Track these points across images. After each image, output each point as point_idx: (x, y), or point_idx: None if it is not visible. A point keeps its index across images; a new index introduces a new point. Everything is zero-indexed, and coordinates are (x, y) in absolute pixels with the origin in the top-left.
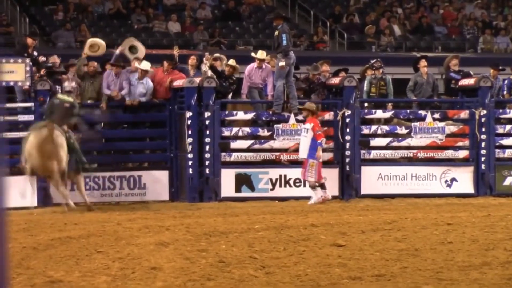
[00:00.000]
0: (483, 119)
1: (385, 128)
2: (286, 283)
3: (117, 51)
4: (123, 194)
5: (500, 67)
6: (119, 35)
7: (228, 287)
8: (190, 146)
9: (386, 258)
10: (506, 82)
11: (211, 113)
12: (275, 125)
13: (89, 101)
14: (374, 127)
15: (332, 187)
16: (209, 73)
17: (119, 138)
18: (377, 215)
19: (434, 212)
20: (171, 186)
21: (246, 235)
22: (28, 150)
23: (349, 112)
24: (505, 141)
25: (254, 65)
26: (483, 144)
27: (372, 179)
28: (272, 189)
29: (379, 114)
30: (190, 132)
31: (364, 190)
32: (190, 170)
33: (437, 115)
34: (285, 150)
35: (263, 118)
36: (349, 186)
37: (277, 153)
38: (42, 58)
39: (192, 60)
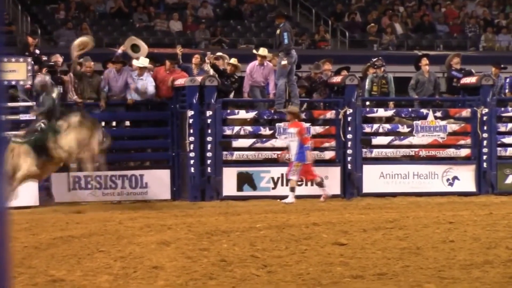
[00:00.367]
0: (484, 118)
1: (387, 126)
2: (288, 282)
3: (119, 50)
4: (124, 193)
5: (502, 65)
6: (121, 34)
7: (230, 286)
8: (192, 145)
9: (388, 256)
10: (508, 80)
11: (213, 112)
12: (276, 124)
13: (88, 101)
14: (375, 126)
15: (334, 186)
16: (211, 72)
17: (121, 136)
18: (378, 214)
19: (436, 211)
20: (172, 185)
21: (248, 234)
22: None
23: (351, 110)
24: (507, 140)
25: (255, 62)
26: (485, 143)
27: (373, 178)
28: (274, 188)
29: (380, 112)
30: (191, 131)
31: (365, 189)
32: (192, 169)
33: (439, 114)
34: (287, 149)
35: (265, 117)
36: (351, 185)
37: (279, 152)
38: (43, 58)
39: (195, 59)
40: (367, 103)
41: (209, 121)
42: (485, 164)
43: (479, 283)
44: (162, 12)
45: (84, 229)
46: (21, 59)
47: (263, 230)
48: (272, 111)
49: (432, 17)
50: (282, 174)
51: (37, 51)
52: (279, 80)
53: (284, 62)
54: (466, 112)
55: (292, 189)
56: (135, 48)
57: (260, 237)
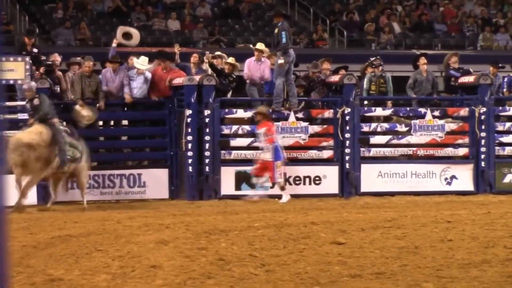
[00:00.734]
0: (482, 117)
1: (385, 125)
2: (286, 281)
3: (114, 44)
4: (123, 192)
5: (500, 65)
6: None
7: (228, 285)
8: (190, 144)
9: (386, 256)
10: (505, 79)
11: (211, 111)
12: (274, 123)
13: (87, 100)
14: (373, 125)
15: (332, 185)
16: (209, 71)
17: (119, 136)
18: (377, 213)
19: (434, 210)
20: (171, 184)
21: (246, 233)
22: None
23: (349, 109)
24: (505, 139)
25: (252, 58)
26: (482, 142)
27: (372, 177)
28: (272, 187)
29: (378, 112)
30: (189, 130)
31: (364, 188)
32: (190, 168)
33: (436, 113)
34: (284, 148)
35: None
36: (349, 184)
37: None
38: (42, 57)
39: (194, 58)
40: (365, 102)
41: (207, 120)
42: (483, 163)
43: (477, 282)
44: (160, 11)
45: (82, 228)
46: (19, 58)
47: (261, 229)
48: (270, 110)
49: (430, 16)
50: (280, 173)
51: (35, 50)
52: (277, 79)
53: (281, 61)
54: (464, 111)
55: (283, 188)
56: (127, 36)
57: (258, 236)
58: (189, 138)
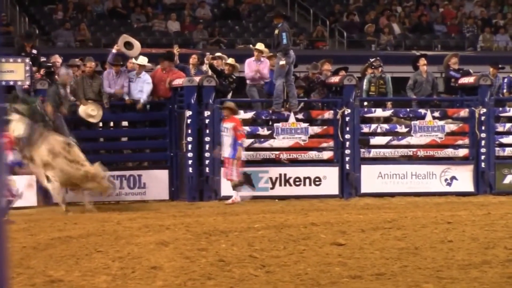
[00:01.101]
0: (482, 118)
1: (385, 126)
2: (286, 282)
3: (114, 50)
4: (123, 193)
5: (500, 66)
6: (119, 34)
7: (228, 286)
8: (190, 145)
9: (386, 257)
10: (505, 80)
11: (211, 112)
12: (274, 124)
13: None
14: (374, 126)
15: (332, 186)
16: (209, 72)
17: (119, 137)
18: (377, 214)
19: (434, 211)
20: (171, 185)
21: (246, 234)
22: None
23: (349, 110)
24: (505, 140)
25: (252, 58)
26: (483, 143)
27: (372, 178)
28: (272, 188)
29: (379, 112)
30: (189, 131)
31: (364, 189)
32: (190, 169)
33: (436, 114)
34: (285, 149)
35: (263, 117)
36: (349, 185)
37: (277, 152)
38: (42, 59)
39: (193, 59)
40: (365, 103)
41: (207, 121)
42: (483, 164)
43: (477, 283)
44: (160, 12)
45: (82, 229)
46: (19, 60)
47: (261, 230)
48: (270, 111)
49: (430, 17)
50: (280, 174)
51: (34, 52)
52: (277, 80)
53: (282, 62)
54: (464, 112)
55: (235, 187)
56: (128, 45)
57: (258, 237)
58: (189, 139)
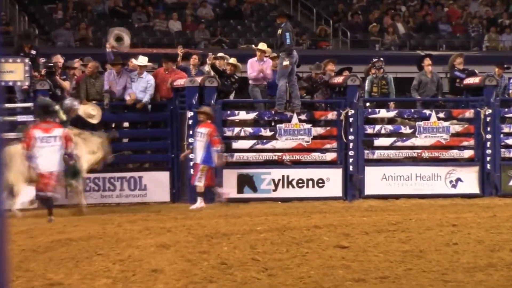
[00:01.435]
0: (488, 118)
1: (389, 127)
2: (289, 285)
3: (108, 49)
4: (123, 195)
5: (506, 66)
6: None
7: None
8: (191, 147)
9: (390, 259)
10: (511, 80)
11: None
12: (277, 125)
13: (93, 102)
14: (378, 127)
15: (336, 188)
16: (211, 72)
17: (120, 138)
18: (381, 216)
19: (439, 213)
20: (172, 187)
21: (248, 237)
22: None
23: (353, 111)
24: (511, 141)
25: (254, 58)
26: (488, 144)
27: (376, 180)
28: (274, 190)
29: (383, 113)
30: (191, 132)
31: (367, 191)
32: (192, 171)
33: (441, 115)
34: (287, 150)
35: (266, 118)
36: (353, 187)
37: (280, 153)
38: (41, 60)
39: (193, 60)
40: (368, 104)
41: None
42: (488, 166)
43: (482, 286)
44: (161, 11)
45: (82, 232)
46: (19, 60)
47: (264, 233)
48: (273, 112)
49: (434, 17)
50: (283, 176)
51: (33, 52)
52: (280, 80)
53: (285, 62)
54: (469, 113)
55: (200, 194)
56: (119, 40)
57: (260, 240)
58: (191, 140)
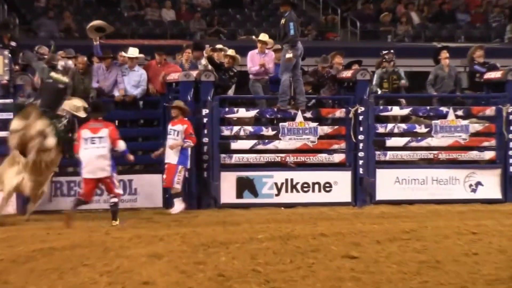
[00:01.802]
0: (511, 116)
1: (403, 126)
2: None
3: (95, 42)
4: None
5: None
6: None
7: None
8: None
9: (404, 271)
10: None
11: (210, 110)
12: (280, 124)
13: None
14: (390, 126)
15: (344, 192)
16: (208, 66)
17: None
18: (393, 224)
19: (457, 220)
20: (165, 191)
21: (249, 246)
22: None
23: (363, 108)
24: None
25: (255, 51)
26: (511, 144)
27: (388, 183)
28: (277, 195)
29: (395, 111)
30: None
31: (379, 196)
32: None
33: (460, 112)
34: (291, 151)
35: (267, 116)
36: (363, 191)
37: (283, 155)
38: (21, 53)
39: (186, 55)
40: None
41: (205, 120)
42: (511, 168)
43: None
44: None
45: (67, 240)
46: None
47: (266, 242)
48: (275, 109)
49: (452, 5)
50: (286, 180)
51: (13, 44)
52: (283, 75)
53: (289, 55)
54: (490, 111)
55: (177, 195)
56: (100, 31)
57: (262, 249)
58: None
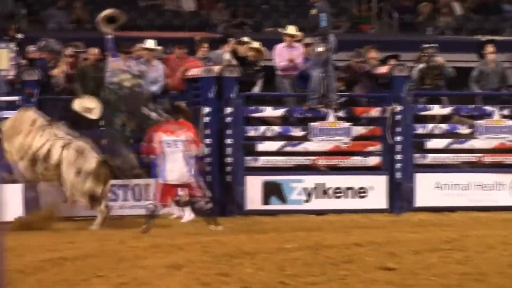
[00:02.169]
0: None
1: (444, 127)
2: None
3: (109, 36)
4: (127, 206)
5: None
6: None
7: None
8: (208, 149)
9: (445, 284)
10: None
11: (234, 108)
12: (310, 124)
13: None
14: (430, 126)
15: (380, 198)
16: (233, 61)
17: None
18: (433, 232)
19: (502, 229)
20: None
21: (276, 256)
22: None
23: (400, 107)
24: None
25: (282, 44)
26: None
27: (427, 189)
28: (307, 201)
29: (436, 110)
30: (208, 131)
31: (418, 202)
32: (209, 178)
33: (506, 112)
34: (322, 154)
35: (296, 115)
36: (400, 197)
37: (313, 157)
38: (30, 47)
39: (203, 51)
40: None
41: (229, 119)
42: None
43: None
44: None
45: (79, 249)
46: (2, 45)
47: (294, 252)
48: (305, 108)
49: None
50: (317, 184)
51: (20, 36)
52: (313, 71)
53: (320, 49)
54: None
55: (185, 204)
56: (112, 21)
57: (290, 260)
58: (208, 141)
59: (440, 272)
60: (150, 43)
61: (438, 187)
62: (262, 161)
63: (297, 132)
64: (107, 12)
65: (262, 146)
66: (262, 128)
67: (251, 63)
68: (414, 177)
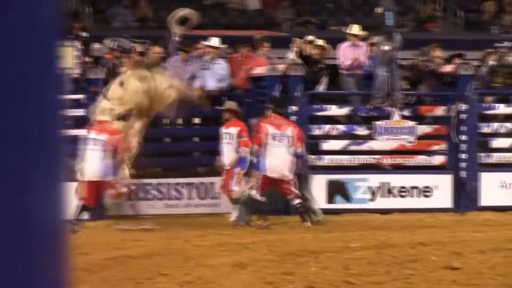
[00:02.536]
0: None
1: (509, 126)
2: None
3: (176, 38)
4: (192, 204)
5: None
6: None
7: None
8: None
9: (510, 284)
10: None
11: (298, 107)
12: (375, 122)
13: None
14: (495, 125)
15: (445, 197)
16: (298, 60)
17: (189, 136)
18: (499, 232)
19: None
20: None
21: (341, 255)
22: None
23: (466, 106)
24: None
25: (346, 43)
26: None
27: (493, 188)
28: (371, 200)
29: (501, 109)
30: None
31: (483, 201)
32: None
33: None
34: (387, 153)
35: (361, 114)
36: (465, 196)
37: (378, 156)
38: (95, 45)
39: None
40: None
41: (293, 118)
42: None
43: None
44: None
45: (144, 248)
46: (67, 43)
47: (359, 251)
48: (370, 106)
49: None
50: (382, 183)
51: (84, 34)
52: (378, 69)
53: (385, 47)
54: None
55: (234, 202)
56: (185, 22)
57: (355, 259)
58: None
59: (505, 272)
60: (214, 41)
61: (503, 186)
62: (326, 160)
63: (361, 131)
64: (182, 12)
65: (327, 145)
66: (327, 127)
67: (315, 62)
68: (479, 176)
